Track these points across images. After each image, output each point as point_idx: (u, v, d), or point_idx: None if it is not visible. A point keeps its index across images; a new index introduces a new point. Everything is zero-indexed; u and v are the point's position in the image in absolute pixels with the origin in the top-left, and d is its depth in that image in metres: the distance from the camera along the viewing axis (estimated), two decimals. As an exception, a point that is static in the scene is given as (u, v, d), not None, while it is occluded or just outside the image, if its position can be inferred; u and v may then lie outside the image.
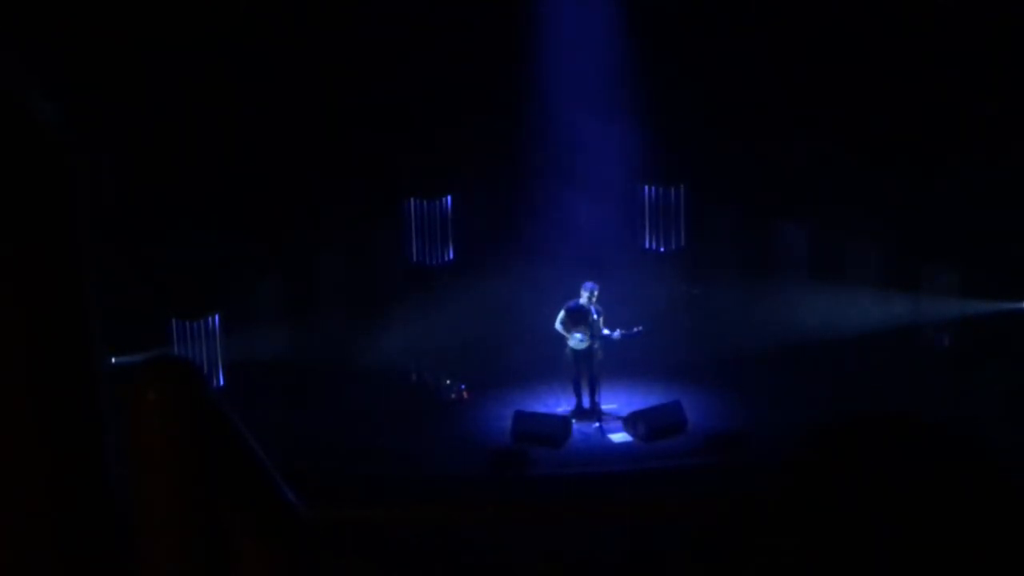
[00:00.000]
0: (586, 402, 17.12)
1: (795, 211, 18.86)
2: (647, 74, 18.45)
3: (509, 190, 19.17)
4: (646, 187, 19.69)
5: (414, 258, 19.48)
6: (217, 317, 17.77)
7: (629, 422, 16.80)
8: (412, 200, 19.47)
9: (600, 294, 16.90)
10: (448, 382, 17.68)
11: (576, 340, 16.84)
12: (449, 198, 19.80)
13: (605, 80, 18.82)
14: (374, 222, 19.01)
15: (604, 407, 17.14)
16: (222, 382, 17.43)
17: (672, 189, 19.53)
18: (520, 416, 16.74)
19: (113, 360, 13.75)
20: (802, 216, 18.92)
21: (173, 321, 17.43)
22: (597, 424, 16.94)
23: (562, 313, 16.91)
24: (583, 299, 16.83)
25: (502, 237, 18.96)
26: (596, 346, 16.86)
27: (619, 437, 16.75)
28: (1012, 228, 17.09)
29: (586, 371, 16.97)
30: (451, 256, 19.80)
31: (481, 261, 19.01)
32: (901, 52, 17.66)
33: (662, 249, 19.82)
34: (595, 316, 16.80)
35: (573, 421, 16.95)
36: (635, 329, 16.99)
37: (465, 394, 17.69)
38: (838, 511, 1.39)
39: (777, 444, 15.39)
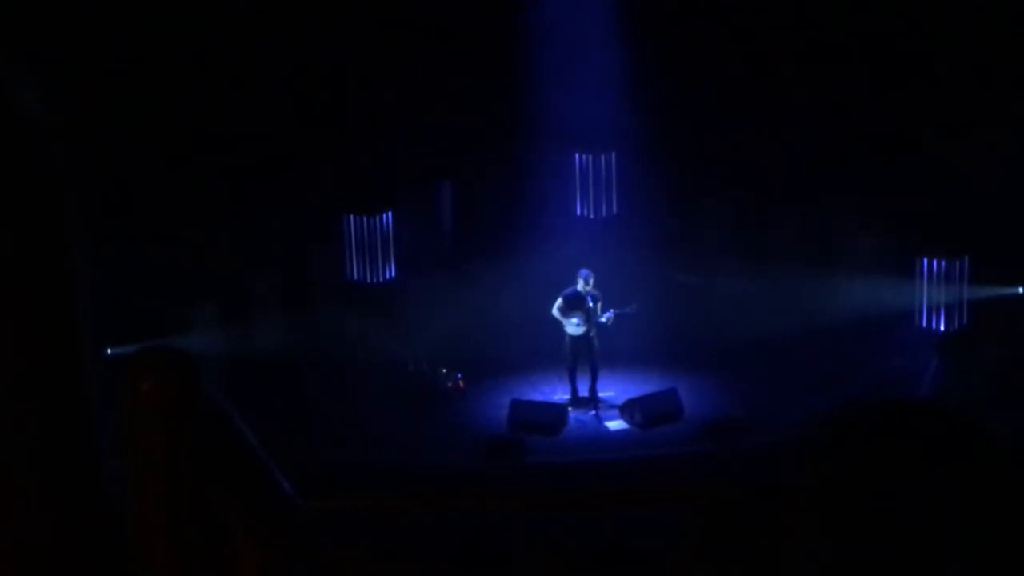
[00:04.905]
0: (582, 390, 17.12)
1: (792, 199, 18.85)
2: (636, 64, 18.45)
3: (508, 177, 19.15)
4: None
5: (409, 246, 19.46)
6: (216, 307, 17.79)
7: (625, 410, 16.81)
8: (402, 191, 19.44)
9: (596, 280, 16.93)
10: (444, 371, 17.67)
11: (573, 325, 16.84)
12: (450, 187, 19.83)
13: (592, 67, 18.83)
14: (370, 213, 18.99)
15: (600, 395, 17.15)
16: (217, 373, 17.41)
17: (665, 175, 19.49)
18: (516, 404, 16.75)
19: (108, 351, 13.77)
20: (798, 204, 18.91)
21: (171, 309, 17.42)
22: (593, 412, 16.95)
23: (559, 300, 16.92)
24: (579, 286, 16.85)
25: (500, 225, 18.95)
26: (593, 333, 16.86)
27: (615, 425, 16.77)
28: (1010, 214, 17.10)
29: (584, 359, 16.97)
30: (449, 244, 19.82)
31: (480, 249, 18.99)
32: (894, 37, 17.65)
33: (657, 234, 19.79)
34: (591, 303, 16.81)
35: (569, 409, 16.96)
36: (629, 308, 16.97)
37: (461, 383, 17.68)
38: (858, 498, 1.38)
39: (773, 431, 15.43)
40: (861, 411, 1.48)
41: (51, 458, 1.70)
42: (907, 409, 1.47)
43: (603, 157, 19.75)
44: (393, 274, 19.20)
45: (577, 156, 19.81)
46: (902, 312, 18.19)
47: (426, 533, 9.74)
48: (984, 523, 1.37)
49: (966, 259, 17.80)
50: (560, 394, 17.38)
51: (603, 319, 16.84)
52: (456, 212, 19.98)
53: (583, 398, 17.11)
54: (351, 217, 18.86)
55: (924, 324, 18.14)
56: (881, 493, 1.39)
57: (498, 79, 18.55)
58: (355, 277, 19.02)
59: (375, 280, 19.06)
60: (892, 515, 1.37)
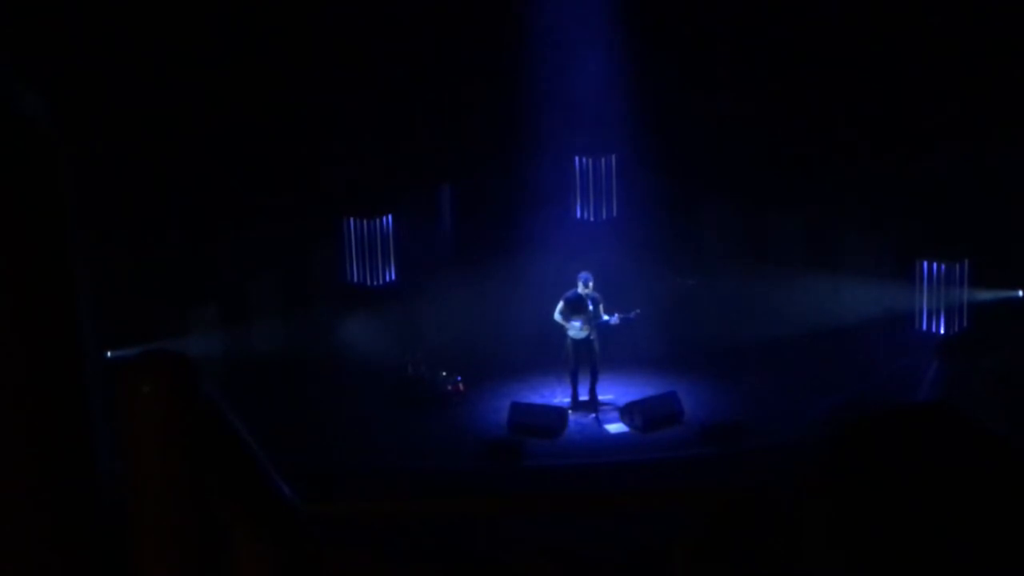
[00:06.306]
0: (583, 393, 17.13)
1: (792, 200, 18.85)
2: (636, 66, 18.46)
3: (508, 180, 19.15)
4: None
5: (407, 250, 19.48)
6: (217, 309, 17.81)
7: (625, 413, 16.81)
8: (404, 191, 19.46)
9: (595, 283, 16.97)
10: (444, 374, 17.67)
11: (575, 328, 16.87)
12: (450, 190, 19.87)
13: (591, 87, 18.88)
14: (370, 216, 19.00)
15: (600, 398, 17.16)
16: (217, 375, 17.40)
17: (665, 178, 19.51)
18: (516, 407, 16.75)
19: (108, 354, 13.76)
20: (798, 205, 18.91)
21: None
22: (593, 415, 16.96)
23: (561, 303, 16.95)
24: (579, 289, 16.89)
25: (501, 227, 18.96)
26: (593, 336, 16.89)
27: (615, 428, 16.76)
28: (1009, 217, 17.11)
29: (585, 362, 16.99)
30: (449, 247, 19.84)
31: (480, 253, 18.99)
32: (896, 38, 17.66)
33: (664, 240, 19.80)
34: (591, 305, 16.85)
35: (569, 412, 16.96)
36: (632, 313, 17.01)
37: (461, 386, 17.68)
38: (866, 501, 1.38)
39: (774, 434, 15.43)
40: (868, 415, 1.48)
41: (50, 461, 1.70)
42: (915, 412, 1.47)
43: (603, 160, 19.77)
44: (393, 277, 19.20)
45: (577, 159, 19.83)
46: (902, 315, 18.20)
47: (426, 535, 9.74)
48: (993, 524, 1.37)
49: (966, 262, 17.81)
50: (560, 397, 17.38)
51: (607, 319, 16.86)
52: (456, 215, 19.98)
53: (583, 401, 17.12)
54: (351, 220, 18.88)
55: (924, 327, 18.16)
56: (889, 496, 1.39)
57: (498, 81, 18.55)
58: (355, 280, 19.03)
59: (375, 283, 19.07)
60: (901, 518, 1.37)
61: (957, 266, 17.85)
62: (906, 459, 1.41)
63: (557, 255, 18.43)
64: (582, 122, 19.05)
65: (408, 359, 17.98)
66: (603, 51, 18.94)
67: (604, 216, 19.92)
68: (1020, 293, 17.88)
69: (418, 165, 19.11)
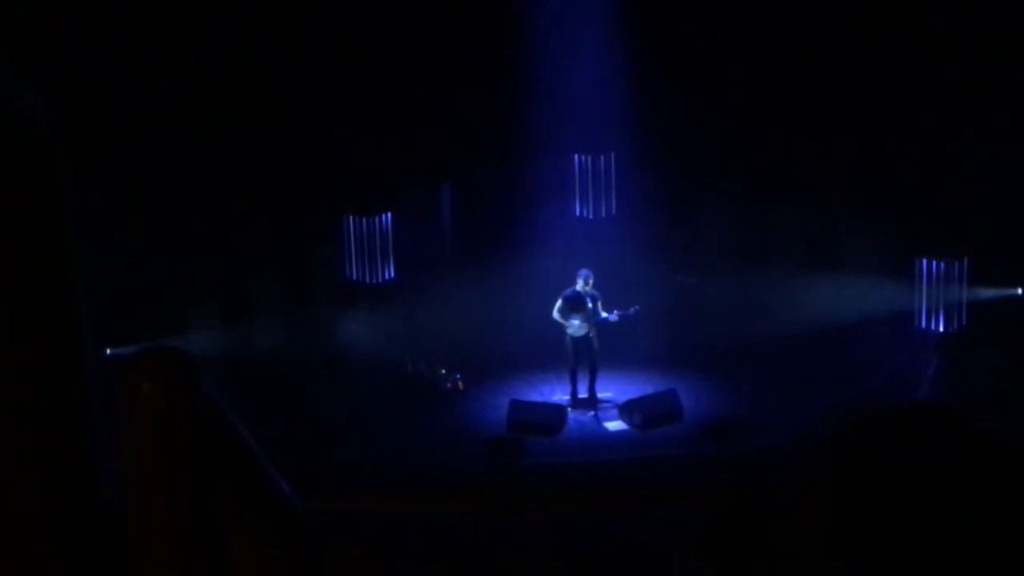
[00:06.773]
0: (582, 391, 17.13)
1: (792, 199, 18.85)
2: (635, 64, 18.46)
3: (508, 178, 19.15)
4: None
5: (406, 249, 19.48)
6: (216, 307, 17.81)
7: (624, 411, 16.82)
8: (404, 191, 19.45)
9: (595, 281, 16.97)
10: (443, 372, 17.67)
11: (574, 327, 16.88)
12: (449, 188, 19.87)
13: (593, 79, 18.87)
14: (369, 214, 19.01)
15: (600, 396, 17.16)
16: (217, 373, 17.39)
17: (664, 176, 19.51)
18: (516, 405, 16.75)
19: (108, 352, 13.76)
20: (798, 204, 18.91)
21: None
22: (593, 413, 16.96)
23: (559, 301, 16.96)
24: (578, 286, 16.89)
25: (500, 225, 18.96)
26: (592, 334, 16.89)
27: (615, 425, 16.77)
28: (1009, 215, 17.11)
29: (584, 360, 16.99)
30: (448, 245, 19.84)
31: (480, 251, 18.99)
32: (894, 38, 17.66)
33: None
34: (591, 303, 16.85)
35: (569, 410, 16.97)
36: (631, 310, 17.03)
37: (460, 384, 17.68)
38: (868, 501, 1.38)
39: (773, 432, 15.43)
40: (868, 415, 1.48)
41: (50, 459, 1.70)
42: (915, 412, 1.47)
43: (602, 158, 19.78)
44: (392, 275, 19.20)
45: (576, 157, 19.84)
46: (901, 313, 18.20)
47: (425, 534, 9.74)
48: (993, 524, 1.37)
49: (965, 260, 17.81)
50: (559, 394, 17.38)
51: (606, 317, 16.87)
52: (456, 213, 19.99)
53: (582, 399, 17.13)
54: (351, 217, 18.88)
55: (923, 325, 18.16)
56: (889, 496, 1.39)
57: (498, 81, 18.56)
58: (354, 277, 19.04)
59: (374, 281, 19.07)
60: (901, 518, 1.37)
61: (956, 264, 17.85)
62: (906, 459, 1.41)
63: (556, 253, 18.44)
64: (581, 120, 19.06)
65: (407, 357, 17.97)
66: (603, 51, 18.94)
67: (603, 214, 19.94)
68: (1020, 291, 17.88)
69: (418, 164, 19.10)
